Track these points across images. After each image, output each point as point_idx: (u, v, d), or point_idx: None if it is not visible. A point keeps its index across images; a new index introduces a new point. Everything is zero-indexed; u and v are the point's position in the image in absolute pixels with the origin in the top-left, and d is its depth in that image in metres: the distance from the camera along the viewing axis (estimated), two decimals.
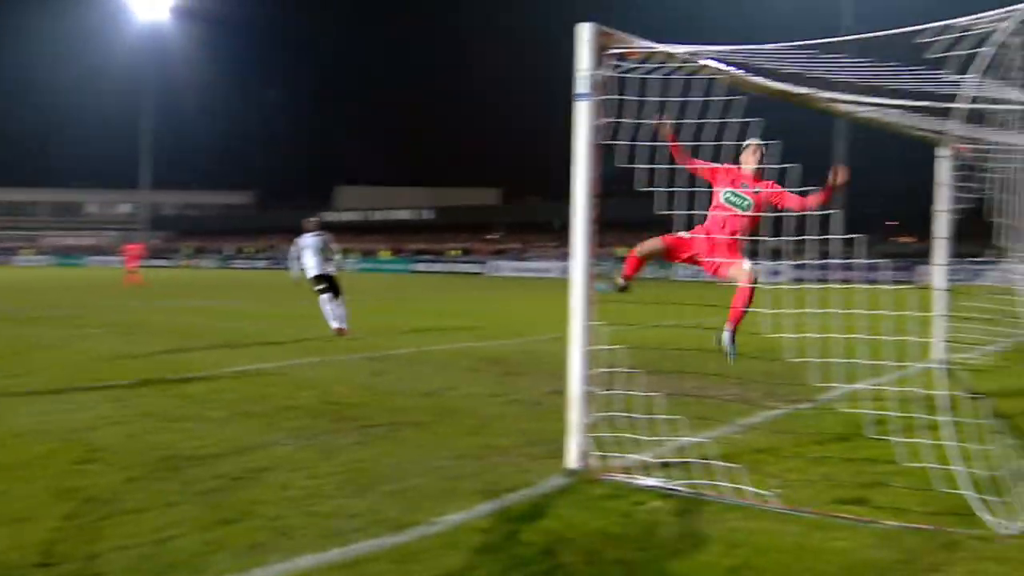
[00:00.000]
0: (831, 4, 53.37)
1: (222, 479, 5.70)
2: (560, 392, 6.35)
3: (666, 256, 6.86)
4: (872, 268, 5.84)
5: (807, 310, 5.69)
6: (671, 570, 4.27)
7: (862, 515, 5.00)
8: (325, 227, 15.30)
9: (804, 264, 5.97)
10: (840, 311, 5.59)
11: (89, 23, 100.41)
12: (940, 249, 10.78)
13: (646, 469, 5.77)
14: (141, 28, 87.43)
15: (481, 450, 6.56)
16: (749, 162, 6.66)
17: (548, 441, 6.75)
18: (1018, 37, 4.95)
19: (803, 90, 6.89)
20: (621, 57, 5.99)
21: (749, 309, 6.44)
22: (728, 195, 6.68)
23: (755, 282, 6.42)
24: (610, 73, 5.91)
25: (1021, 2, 4.92)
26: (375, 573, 4.19)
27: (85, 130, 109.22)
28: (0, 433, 6.92)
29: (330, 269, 14.90)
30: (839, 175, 6.17)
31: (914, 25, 5.30)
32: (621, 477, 5.69)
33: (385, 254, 79.21)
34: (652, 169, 5.95)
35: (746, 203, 6.63)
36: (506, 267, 63.75)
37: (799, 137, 7.12)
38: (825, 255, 5.83)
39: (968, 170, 10.28)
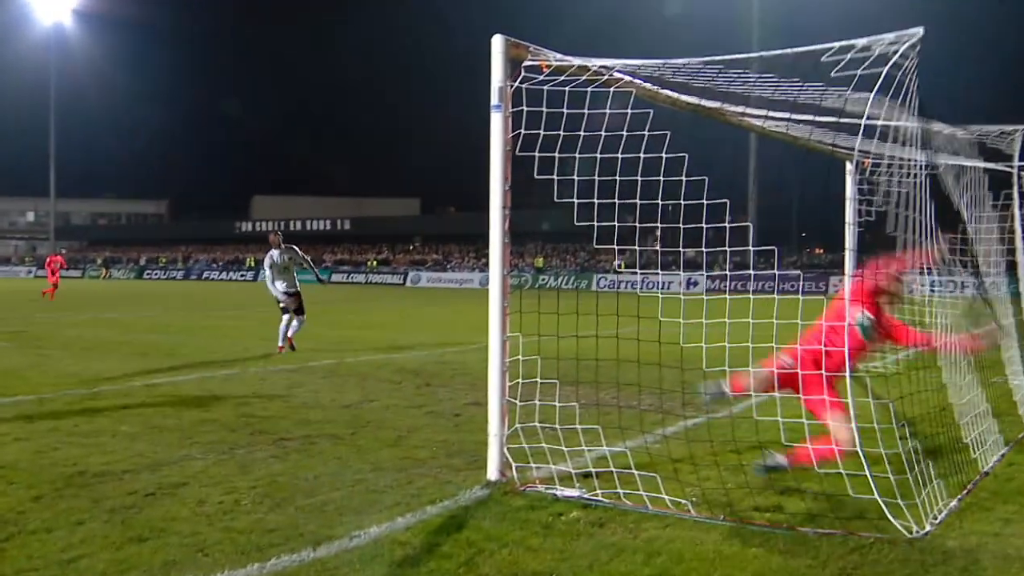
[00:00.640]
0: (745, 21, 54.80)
1: (134, 495, 5.55)
2: (480, 404, 6.36)
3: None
4: (785, 279, 5.96)
5: (725, 320, 5.79)
6: None
7: (778, 522, 5.13)
8: (290, 240, 15.14)
9: (721, 275, 6.05)
10: (754, 321, 5.71)
11: None
12: (850, 260, 11.12)
13: (565, 480, 5.82)
14: (44, 31, 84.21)
15: (401, 462, 6.52)
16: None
17: (468, 453, 6.75)
18: (908, 60, 5.20)
19: (714, 104, 7.01)
20: (535, 70, 6.02)
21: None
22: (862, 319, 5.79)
23: (848, 451, 5.39)
24: (524, 85, 5.93)
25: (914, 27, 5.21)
26: None
27: None
28: None
29: (297, 286, 14.38)
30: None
31: (816, 44, 5.54)
32: (541, 488, 5.72)
33: None
34: (573, 181, 5.98)
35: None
36: (426, 277, 63.46)
37: (712, 149, 7.22)
38: (741, 266, 5.91)
39: (871, 184, 10.64)
